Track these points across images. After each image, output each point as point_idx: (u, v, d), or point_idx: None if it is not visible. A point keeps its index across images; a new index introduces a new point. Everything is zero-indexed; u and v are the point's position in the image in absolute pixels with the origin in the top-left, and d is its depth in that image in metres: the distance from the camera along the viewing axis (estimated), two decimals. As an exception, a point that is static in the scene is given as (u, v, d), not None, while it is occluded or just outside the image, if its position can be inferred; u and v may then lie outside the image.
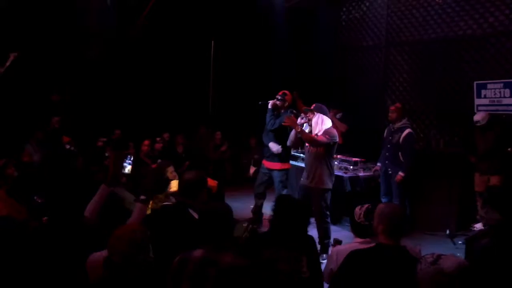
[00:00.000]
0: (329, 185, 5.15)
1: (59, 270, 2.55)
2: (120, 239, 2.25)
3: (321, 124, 5.08)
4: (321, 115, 5.13)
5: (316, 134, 5.06)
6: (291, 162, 7.37)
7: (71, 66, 8.16)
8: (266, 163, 6.08)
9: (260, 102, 6.00)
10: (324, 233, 5.18)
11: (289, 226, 2.90)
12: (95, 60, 8.27)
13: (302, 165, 6.02)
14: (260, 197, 6.21)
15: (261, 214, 6.27)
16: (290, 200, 3.15)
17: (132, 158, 3.50)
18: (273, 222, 3.03)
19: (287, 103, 5.90)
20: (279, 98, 5.88)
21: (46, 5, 7.71)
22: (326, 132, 5.02)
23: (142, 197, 3.24)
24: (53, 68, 7.92)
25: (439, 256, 2.07)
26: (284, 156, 6.00)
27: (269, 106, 5.91)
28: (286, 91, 5.97)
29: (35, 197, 3.75)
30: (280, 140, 5.85)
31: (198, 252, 2.30)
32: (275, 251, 2.78)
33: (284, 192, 5.92)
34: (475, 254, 2.74)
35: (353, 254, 2.61)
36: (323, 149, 5.06)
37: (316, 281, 2.84)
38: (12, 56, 6.49)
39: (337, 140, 5.14)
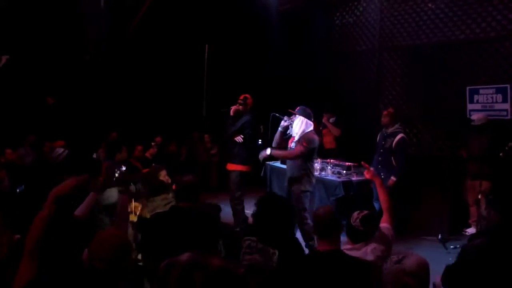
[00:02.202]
0: (307, 187, 5.24)
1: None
2: (102, 244, 2.20)
3: (301, 126, 5.19)
4: (303, 118, 5.22)
5: (294, 138, 5.24)
6: (283, 166, 7.37)
7: (65, 68, 8.14)
8: (227, 165, 6.12)
9: (222, 110, 6.09)
10: (306, 235, 5.22)
11: (269, 223, 2.91)
12: (89, 63, 8.25)
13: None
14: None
15: (245, 217, 6.19)
16: (273, 198, 3.19)
17: (123, 167, 3.54)
18: (255, 216, 3.05)
19: (248, 107, 6.00)
20: (241, 102, 5.97)
21: (40, 8, 7.69)
22: (304, 138, 5.14)
23: (120, 188, 3.27)
24: (47, 71, 7.91)
25: (404, 257, 2.12)
26: (242, 158, 5.99)
27: (231, 113, 5.97)
28: (247, 95, 6.05)
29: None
30: (243, 142, 5.95)
31: (184, 256, 2.27)
32: (254, 241, 2.80)
33: (237, 194, 5.93)
34: (467, 253, 2.75)
35: (290, 263, 2.64)
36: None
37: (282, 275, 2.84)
38: (4, 59, 6.47)
39: (316, 145, 5.26)
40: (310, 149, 5.15)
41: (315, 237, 2.70)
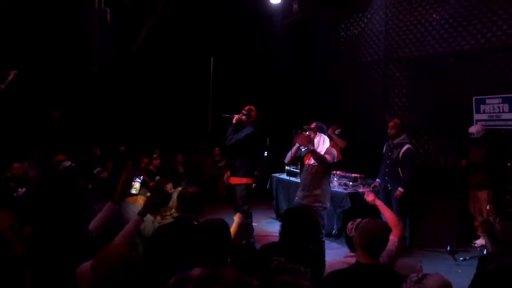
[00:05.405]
0: (327, 204, 5.18)
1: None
2: (106, 263, 2.08)
3: (323, 144, 5.18)
4: (323, 135, 5.21)
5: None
6: (290, 178, 7.34)
7: (71, 83, 8.20)
8: (230, 179, 6.00)
9: (224, 115, 5.94)
10: None
11: (297, 239, 2.92)
12: (94, 78, 8.30)
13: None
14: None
15: (252, 229, 6.09)
16: (298, 213, 3.16)
17: (141, 178, 3.53)
18: (281, 233, 3.05)
19: (252, 119, 5.87)
20: (245, 113, 5.84)
21: (46, 22, 7.76)
22: (328, 151, 5.10)
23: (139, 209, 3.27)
24: (53, 85, 7.97)
25: (424, 275, 2.07)
26: (246, 170, 5.83)
27: (234, 121, 5.84)
28: (252, 107, 5.93)
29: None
30: (242, 153, 5.80)
31: (196, 271, 2.24)
32: (282, 262, 2.80)
33: (245, 208, 5.72)
34: (482, 277, 2.72)
35: (332, 275, 2.58)
36: (322, 169, 5.08)
37: None
38: (12, 74, 6.50)
39: (336, 159, 5.23)
40: (334, 162, 5.18)
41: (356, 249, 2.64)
